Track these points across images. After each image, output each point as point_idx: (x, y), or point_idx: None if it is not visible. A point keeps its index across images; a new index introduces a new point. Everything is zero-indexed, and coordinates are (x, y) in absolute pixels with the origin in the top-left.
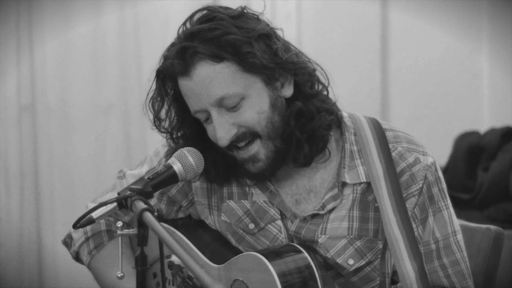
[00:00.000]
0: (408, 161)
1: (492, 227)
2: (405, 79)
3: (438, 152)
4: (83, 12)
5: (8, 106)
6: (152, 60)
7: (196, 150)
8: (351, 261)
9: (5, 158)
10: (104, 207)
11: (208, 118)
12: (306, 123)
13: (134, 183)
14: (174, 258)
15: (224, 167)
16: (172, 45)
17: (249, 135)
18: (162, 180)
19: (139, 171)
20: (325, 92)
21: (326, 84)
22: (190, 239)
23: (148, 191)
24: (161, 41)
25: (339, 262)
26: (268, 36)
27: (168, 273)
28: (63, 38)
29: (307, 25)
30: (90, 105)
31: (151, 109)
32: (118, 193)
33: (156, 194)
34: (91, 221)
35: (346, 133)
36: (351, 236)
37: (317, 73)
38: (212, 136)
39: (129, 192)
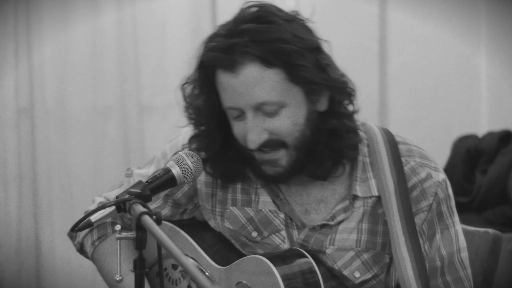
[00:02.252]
0: (420, 176)
1: (490, 230)
2: (403, 81)
3: (436, 155)
4: (82, 14)
5: (6, 108)
6: (150, 63)
7: (194, 153)
8: (357, 274)
9: (3, 160)
10: (102, 211)
11: (240, 116)
12: (335, 141)
13: (132, 186)
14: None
15: (239, 164)
16: (218, 35)
17: (276, 142)
18: (161, 183)
19: (146, 171)
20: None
21: (357, 106)
22: (195, 240)
23: (146, 194)
24: (159, 43)
25: (346, 274)
26: (318, 49)
27: (173, 273)
28: (62, 40)
29: None
30: (88, 107)
31: (185, 95)
32: (117, 197)
33: (162, 196)
34: (90, 224)
35: (359, 145)
36: (359, 249)
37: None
38: (239, 134)
39: (127, 196)
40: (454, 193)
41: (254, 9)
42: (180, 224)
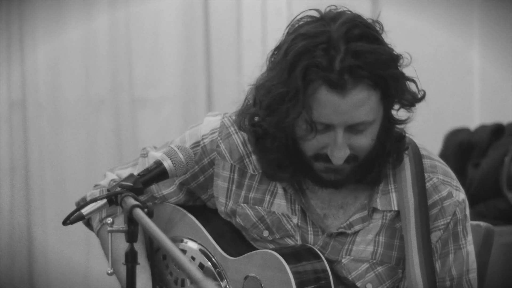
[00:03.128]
0: (441, 194)
1: (482, 223)
2: None
3: (429, 148)
4: (75, 9)
5: None
6: (143, 57)
7: (186, 147)
8: (369, 286)
9: None
10: (94, 203)
11: (325, 129)
12: (395, 146)
13: (124, 179)
14: (190, 244)
15: (294, 170)
16: (325, 51)
17: (351, 158)
18: (152, 176)
19: (162, 155)
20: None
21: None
22: (205, 227)
23: (138, 187)
24: (152, 36)
25: (358, 285)
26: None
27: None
28: (54, 33)
29: None
30: (81, 101)
31: (255, 98)
32: (108, 190)
33: (176, 183)
34: (81, 217)
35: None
36: (374, 261)
37: None
38: (315, 146)
39: (119, 189)
40: None
41: (354, 25)
42: (193, 210)
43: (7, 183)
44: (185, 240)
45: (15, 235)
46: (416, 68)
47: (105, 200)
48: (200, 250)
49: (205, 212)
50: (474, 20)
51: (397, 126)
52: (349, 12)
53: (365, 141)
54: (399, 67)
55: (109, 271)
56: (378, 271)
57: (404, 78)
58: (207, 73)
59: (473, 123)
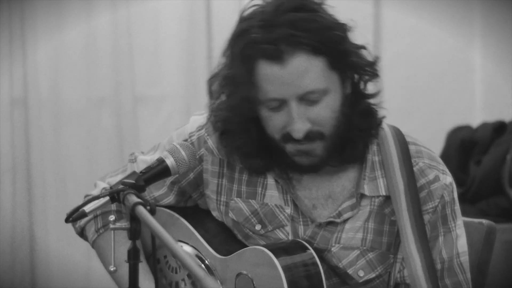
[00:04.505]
0: (428, 178)
1: (484, 221)
2: (397, 73)
3: (431, 146)
4: (77, 8)
5: (0, 99)
6: (144, 54)
7: (188, 144)
8: (361, 273)
9: None
10: (96, 201)
11: (279, 107)
12: (365, 121)
13: (126, 177)
14: (185, 248)
15: (268, 157)
16: (253, 26)
17: (316, 134)
18: (155, 174)
19: (151, 158)
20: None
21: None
22: (196, 229)
23: (140, 185)
24: (154, 34)
25: (350, 272)
26: (349, 33)
27: (173, 261)
28: (56, 31)
29: None
30: (83, 99)
31: (212, 91)
32: (111, 187)
33: (167, 183)
34: (83, 215)
35: (369, 143)
36: (364, 248)
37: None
38: (277, 126)
39: (121, 186)
40: None
41: None
42: (185, 213)
43: (8, 181)
44: (178, 243)
45: (17, 234)
46: (418, 67)
47: (107, 198)
48: (192, 253)
49: (196, 215)
50: (475, 19)
51: (367, 101)
52: None
53: (324, 112)
54: (342, 34)
55: (112, 269)
56: (369, 257)
57: (349, 43)
58: (209, 71)
59: (475, 121)
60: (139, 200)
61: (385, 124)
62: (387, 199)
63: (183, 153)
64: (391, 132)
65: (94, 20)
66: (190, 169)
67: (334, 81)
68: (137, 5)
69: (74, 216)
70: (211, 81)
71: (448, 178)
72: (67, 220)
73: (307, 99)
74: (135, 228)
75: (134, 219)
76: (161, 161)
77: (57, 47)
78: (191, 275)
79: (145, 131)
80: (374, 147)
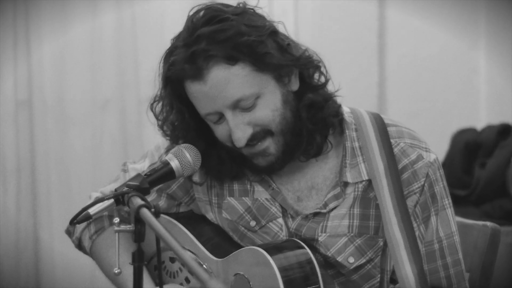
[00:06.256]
0: (410, 157)
1: (488, 223)
2: (402, 74)
3: (435, 148)
4: (81, 8)
5: (5, 101)
6: (149, 56)
7: (193, 146)
8: (351, 259)
9: (1, 154)
10: (101, 203)
11: (219, 119)
12: (316, 113)
13: (131, 179)
14: None
15: (231, 164)
16: (176, 47)
17: (262, 133)
18: (159, 176)
19: (141, 166)
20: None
21: (326, 73)
22: (192, 233)
23: (145, 187)
24: (158, 37)
25: (340, 260)
26: (275, 33)
27: (171, 266)
28: (61, 33)
29: (305, 21)
30: (87, 101)
31: (156, 113)
32: (115, 189)
33: (155, 189)
34: (88, 217)
35: (347, 131)
36: (352, 234)
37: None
38: (223, 136)
39: (126, 189)
40: (453, 187)
41: (202, 12)
42: (177, 216)
43: (13, 183)
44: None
45: (21, 235)
46: (423, 69)
47: (112, 200)
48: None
49: (191, 219)
50: (480, 21)
51: (317, 93)
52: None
53: (262, 114)
54: (256, 38)
55: (116, 271)
56: (358, 243)
57: (270, 43)
58: None
59: (479, 123)
60: (143, 202)
61: (363, 111)
62: (371, 183)
63: (187, 155)
64: (369, 116)
65: (98, 21)
66: (195, 171)
67: (265, 83)
68: (142, 5)
69: (78, 219)
70: (152, 105)
71: (432, 155)
72: (71, 223)
73: (240, 107)
74: (140, 230)
75: (139, 221)
76: (165, 163)
77: (62, 49)
78: (189, 280)
79: (150, 132)
80: (353, 134)
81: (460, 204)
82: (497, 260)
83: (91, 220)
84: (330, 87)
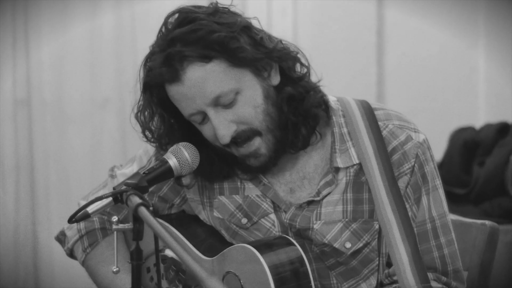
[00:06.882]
0: (399, 139)
1: (487, 222)
2: (401, 74)
3: (434, 147)
4: (81, 8)
5: (4, 100)
6: None
7: (191, 145)
8: (348, 245)
9: (0, 152)
10: (99, 202)
11: (204, 119)
12: (298, 105)
13: (129, 178)
14: (167, 252)
15: (221, 164)
16: (153, 53)
17: (249, 133)
18: (157, 175)
19: (130, 170)
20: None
21: (307, 65)
22: (184, 235)
23: (143, 186)
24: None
25: (337, 246)
26: (248, 27)
27: (161, 267)
28: (60, 32)
29: (303, 20)
30: (86, 100)
31: (140, 121)
32: (114, 188)
33: (145, 194)
34: (86, 215)
35: (334, 117)
36: (347, 219)
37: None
38: (210, 135)
39: (124, 187)
40: (452, 185)
41: (175, 15)
42: (170, 218)
43: (11, 182)
44: (166, 249)
45: (20, 233)
46: (421, 68)
47: (110, 199)
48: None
49: (183, 221)
50: (479, 20)
51: (298, 85)
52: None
53: (244, 110)
54: (228, 33)
55: (115, 269)
56: (353, 228)
57: (243, 38)
58: None
59: (478, 122)
60: (142, 201)
61: (349, 98)
62: (362, 167)
63: (185, 153)
64: (355, 102)
65: (97, 20)
66: (193, 170)
67: (243, 78)
68: (141, 5)
69: (77, 217)
70: (137, 115)
71: (421, 136)
72: (70, 221)
73: (221, 103)
74: (138, 228)
75: (137, 220)
76: (163, 162)
77: (61, 48)
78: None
79: None
80: (340, 120)
81: (459, 202)
82: (496, 258)
83: (83, 233)
84: (317, 78)
